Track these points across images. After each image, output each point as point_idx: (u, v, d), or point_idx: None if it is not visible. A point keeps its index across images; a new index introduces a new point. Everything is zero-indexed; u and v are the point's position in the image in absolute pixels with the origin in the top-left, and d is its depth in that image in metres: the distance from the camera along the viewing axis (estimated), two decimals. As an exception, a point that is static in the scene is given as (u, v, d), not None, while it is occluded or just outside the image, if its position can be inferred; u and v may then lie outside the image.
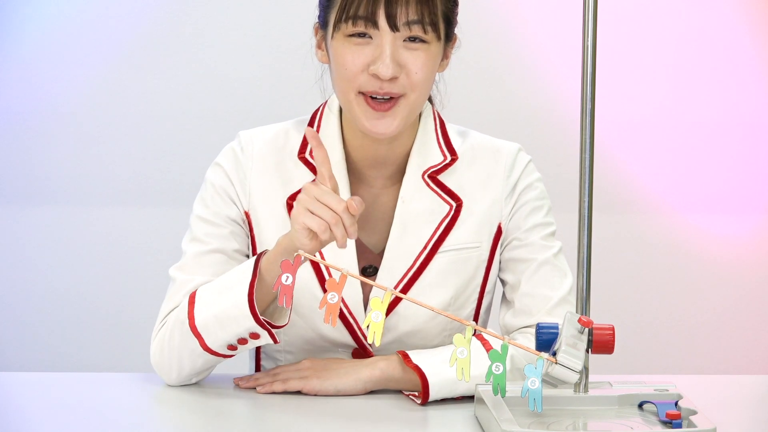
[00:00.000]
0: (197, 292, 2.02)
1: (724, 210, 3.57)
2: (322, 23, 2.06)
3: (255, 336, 1.97)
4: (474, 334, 1.96)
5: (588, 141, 1.83)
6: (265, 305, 2.00)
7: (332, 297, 1.76)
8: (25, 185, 3.46)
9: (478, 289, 2.14)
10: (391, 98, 2.01)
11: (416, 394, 2.00)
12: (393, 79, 1.99)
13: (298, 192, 2.04)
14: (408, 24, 1.98)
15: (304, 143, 2.12)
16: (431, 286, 2.11)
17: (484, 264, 2.14)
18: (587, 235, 1.83)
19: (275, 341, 1.97)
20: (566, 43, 3.46)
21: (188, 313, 2.00)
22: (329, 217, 1.89)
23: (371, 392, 2.03)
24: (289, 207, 2.08)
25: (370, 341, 1.74)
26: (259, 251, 2.10)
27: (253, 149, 2.12)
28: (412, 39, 2.00)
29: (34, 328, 3.49)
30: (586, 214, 1.83)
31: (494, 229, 2.13)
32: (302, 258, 1.79)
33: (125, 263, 3.50)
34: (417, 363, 1.99)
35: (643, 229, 3.57)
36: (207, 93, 3.46)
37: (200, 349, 2.00)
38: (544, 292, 2.10)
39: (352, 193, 2.10)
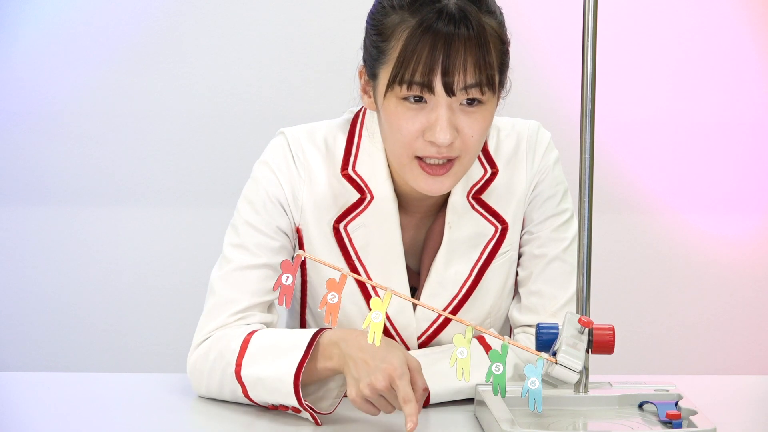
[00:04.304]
0: (252, 341, 1.94)
1: (724, 210, 3.56)
2: (370, 73, 1.96)
3: (297, 411, 1.90)
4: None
5: (588, 141, 1.82)
6: (316, 378, 1.93)
7: (332, 297, 1.76)
8: (23, 185, 3.45)
9: (513, 288, 2.12)
10: (447, 160, 1.93)
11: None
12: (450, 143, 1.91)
13: (344, 214, 2.03)
14: (465, 89, 1.89)
15: (347, 157, 2.05)
16: (473, 301, 2.08)
17: (515, 264, 2.12)
18: (587, 235, 1.83)
19: (317, 423, 1.89)
20: (566, 43, 3.46)
21: (237, 359, 1.93)
22: (387, 410, 1.84)
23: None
24: (335, 230, 2.04)
25: (369, 341, 1.74)
26: (309, 270, 2.07)
27: (306, 159, 2.05)
28: (470, 102, 1.91)
29: (32, 328, 3.49)
30: (586, 214, 1.83)
31: (521, 226, 2.10)
32: (302, 257, 1.79)
33: (124, 263, 3.49)
34: None
35: (643, 229, 3.57)
36: (207, 93, 3.46)
37: (242, 394, 1.94)
38: (551, 291, 2.07)
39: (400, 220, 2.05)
